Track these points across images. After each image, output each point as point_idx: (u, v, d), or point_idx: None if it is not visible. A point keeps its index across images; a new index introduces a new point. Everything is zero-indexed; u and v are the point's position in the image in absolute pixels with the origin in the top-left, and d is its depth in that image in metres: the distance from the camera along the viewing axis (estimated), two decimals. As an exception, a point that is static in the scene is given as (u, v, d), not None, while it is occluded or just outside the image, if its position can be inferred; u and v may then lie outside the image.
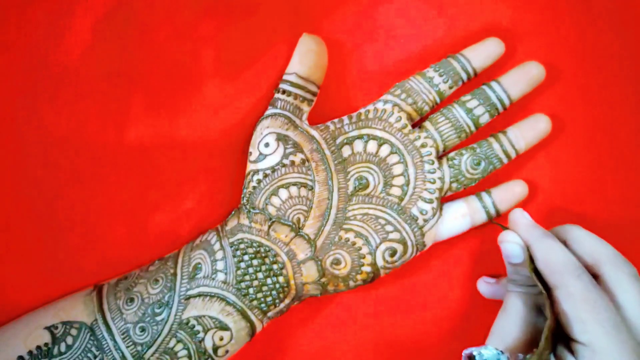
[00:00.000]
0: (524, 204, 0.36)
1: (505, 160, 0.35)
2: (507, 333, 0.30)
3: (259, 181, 0.33)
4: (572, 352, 0.27)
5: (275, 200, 0.33)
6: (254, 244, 0.33)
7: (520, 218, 0.32)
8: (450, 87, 0.35)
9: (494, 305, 0.36)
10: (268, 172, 0.33)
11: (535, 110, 0.36)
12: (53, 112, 0.33)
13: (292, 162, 0.33)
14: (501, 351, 0.27)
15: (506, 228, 0.32)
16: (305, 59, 0.34)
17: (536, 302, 0.31)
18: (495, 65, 0.35)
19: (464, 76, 0.35)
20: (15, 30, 0.32)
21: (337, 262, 0.33)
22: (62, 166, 0.33)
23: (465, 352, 0.27)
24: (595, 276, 0.29)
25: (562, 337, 0.28)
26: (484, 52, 0.35)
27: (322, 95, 0.35)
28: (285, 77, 0.34)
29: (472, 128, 0.35)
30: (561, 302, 0.28)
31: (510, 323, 0.30)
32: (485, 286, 0.36)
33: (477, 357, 0.27)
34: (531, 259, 0.30)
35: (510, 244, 0.31)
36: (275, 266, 0.33)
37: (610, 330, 0.26)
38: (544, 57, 0.36)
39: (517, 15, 0.37)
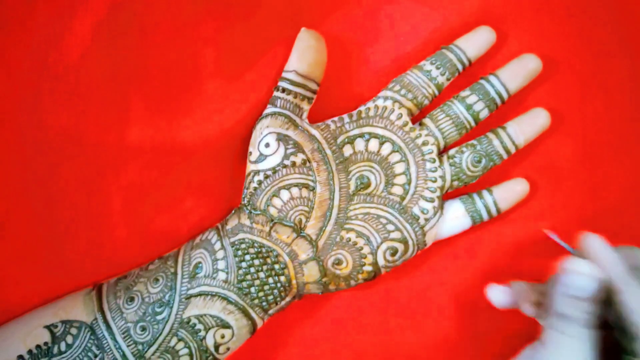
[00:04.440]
0: (524, 201, 0.36)
1: (505, 156, 0.35)
2: None
3: (260, 182, 0.33)
4: None
5: (276, 201, 0.33)
6: (255, 245, 0.33)
7: (602, 250, 0.27)
8: (448, 79, 0.35)
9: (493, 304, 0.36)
10: (269, 173, 0.33)
11: (530, 101, 0.36)
12: (53, 112, 0.33)
13: (293, 163, 0.33)
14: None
15: (575, 251, 0.28)
16: (305, 55, 0.33)
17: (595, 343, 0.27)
18: (492, 59, 0.35)
19: (460, 67, 0.35)
20: (15, 30, 0.32)
21: (338, 262, 0.33)
22: (62, 166, 0.33)
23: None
24: None
25: None
26: (477, 42, 0.35)
27: (322, 92, 0.35)
28: (284, 74, 0.34)
29: (472, 124, 0.35)
30: None
31: None
32: (499, 295, 0.32)
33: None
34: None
35: (583, 277, 0.26)
36: (276, 266, 0.33)
37: None
38: (539, 48, 0.36)
39: (512, 5, 0.37)
